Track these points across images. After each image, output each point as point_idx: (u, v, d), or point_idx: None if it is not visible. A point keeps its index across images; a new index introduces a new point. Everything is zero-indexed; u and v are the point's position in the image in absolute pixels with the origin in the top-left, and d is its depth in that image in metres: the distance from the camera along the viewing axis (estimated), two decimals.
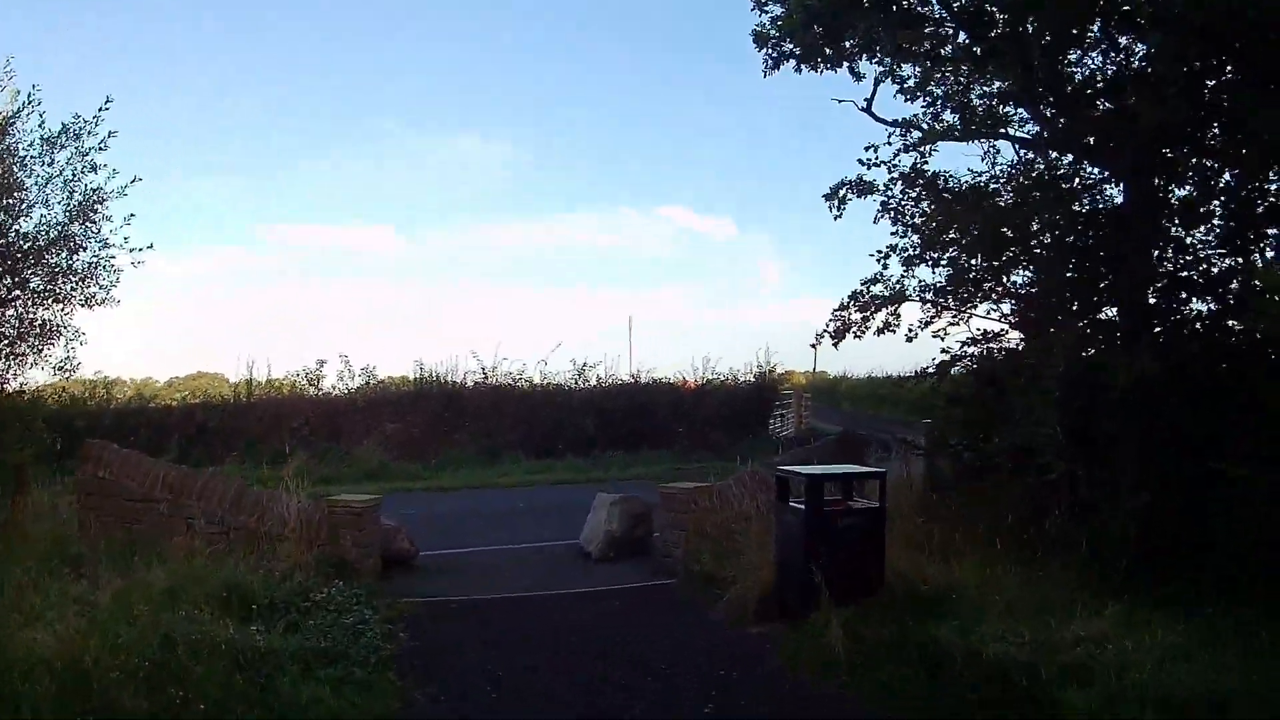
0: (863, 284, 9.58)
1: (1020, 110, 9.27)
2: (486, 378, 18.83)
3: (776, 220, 66.43)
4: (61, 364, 9.87)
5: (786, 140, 65.43)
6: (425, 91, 60.28)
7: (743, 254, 64.77)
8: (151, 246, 9.67)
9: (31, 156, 9.07)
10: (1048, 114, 8.67)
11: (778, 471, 7.38)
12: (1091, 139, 8.14)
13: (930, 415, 10.74)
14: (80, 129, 9.13)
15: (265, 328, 48.46)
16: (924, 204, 9.34)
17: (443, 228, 60.09)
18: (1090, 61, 8.68)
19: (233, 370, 18.84)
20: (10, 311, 9.34)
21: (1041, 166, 8.78)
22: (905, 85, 10.07)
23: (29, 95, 8.93)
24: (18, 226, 9.10)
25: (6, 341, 9.33)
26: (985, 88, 9.68)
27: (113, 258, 9.50)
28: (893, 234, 9.51)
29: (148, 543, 7.76)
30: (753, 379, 22.18)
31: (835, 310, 9.76)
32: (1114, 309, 8.20)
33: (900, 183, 9.45)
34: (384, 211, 63.01)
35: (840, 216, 10.10)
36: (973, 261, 8.94)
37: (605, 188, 66.29)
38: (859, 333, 9.84)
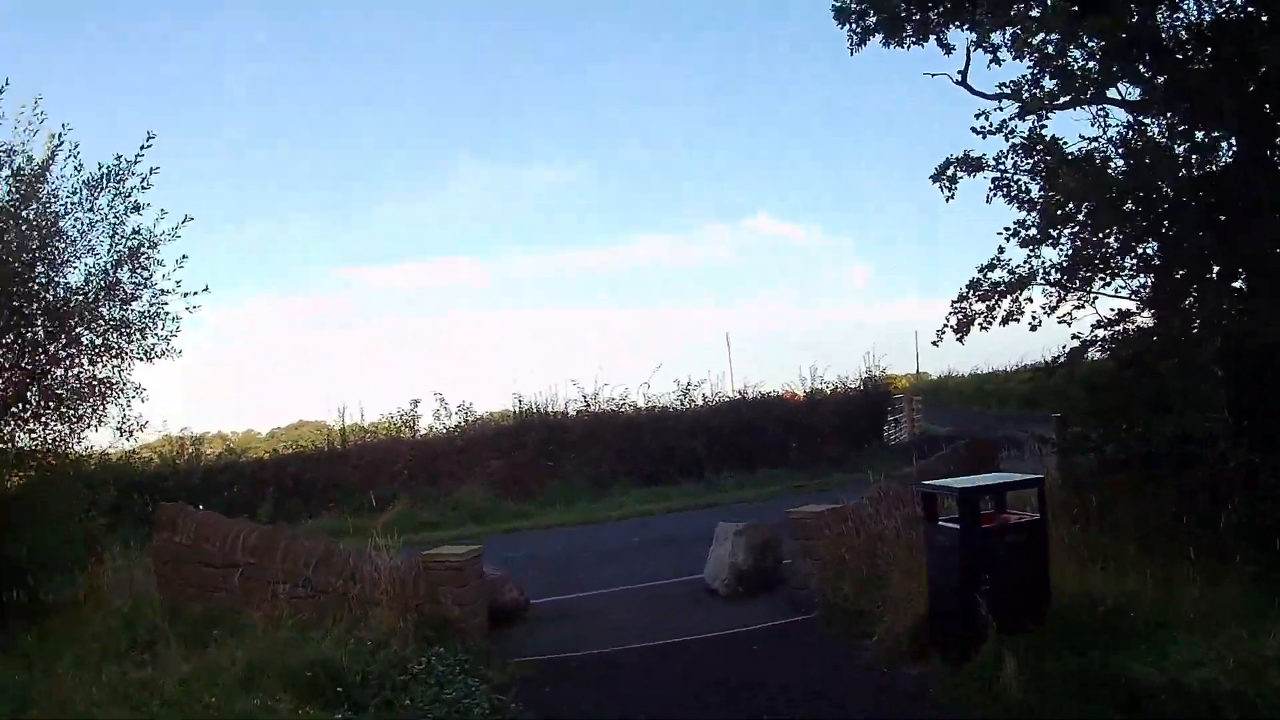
0: (980, 271, 8.96)
1: (1123, 69, 8.38)
2: (589, 406, 17.75)
3: (860, 222, 64.52)
4: (122, 424, 9.21)
5: (868, 141, 63.79)
6: (498, 122, 60.57)
7: (828, 258, 63.28)
8: (207, 289, 9.03)
9: (72, 202, 8.42)
10: (1147, 73, 7.94)
11: (923, 487, 6.31)
12: (1194, 96, 7.34)
13: (1040, 408, 10.46)
14: (122, 170, 8.47)
15: (358, 372, 48.38)
16: (1041, 175, 8.58)
17: (527, 256, 60.32)
18: (1187, 12, 7.88)
19: (331, 417, 18.01)
20: (60, 370, 8.68)
21: (1154, 128, 8.07)
22: (997, 54, 9.34)
23: (60, 135, 8.33)
24: (62, 279, 8.50)
25: (63, 404, 8.65)
26: (1083, 49, 8.72)
27: (166, 305, 8.88)
28: (1016, 224, 8.72)
29: (228, 613, 7.13)
30: (861, 385, 20.62)
31: (954, 303, 9.18)
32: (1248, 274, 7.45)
33: (1014, 154, 8.74)
34: (467, 245, 63.29)
35: (952, 197, 9.43)
36: (1098, 236, 8.20)
37: (687, 204, 65.31)
38: (985, 324, 9.18)
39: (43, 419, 8.55)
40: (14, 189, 8.10)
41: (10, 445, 8.45)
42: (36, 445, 8.55)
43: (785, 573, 8.45)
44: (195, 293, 8.89)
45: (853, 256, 65.78)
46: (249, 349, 51.58)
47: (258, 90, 57.54)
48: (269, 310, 55.73)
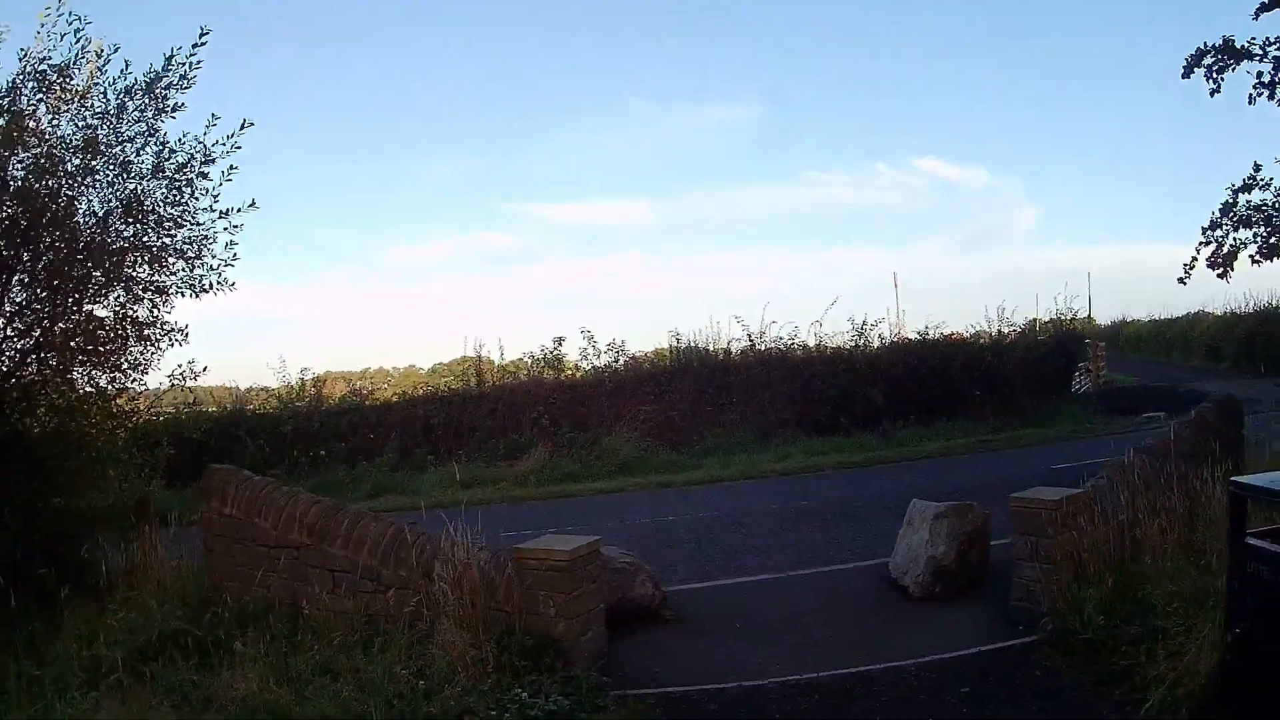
0: (1231, 193, 8.06)
1: None
2: (754, 346, 15.60)
3: (1029, 164, 60.75)
4: (176, 371, 7.64)
5: (1037, 82, 59.87)
6: (667, 63, 59.77)
7: (996, 201, 60.71)
8: (254, 204, 7.16)
9: (109, 110, 6.65)
10: None
11: (1232, 485, 3.88)
12: None
13: (1223, 360, 8.38)
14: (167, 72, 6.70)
15: (517, 311, 48.35)
16: None
17: (694, 196, 60.33)
18: None
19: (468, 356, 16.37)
20: (101, 310, 7.07)
21: None
22: None
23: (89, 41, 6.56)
24: (90, 204, 6.75)
25: (99, 344, 7.04)
26: None
27: (211, 229, 7.13)
28: None
29: (275, 606, 5.72)
30: (1051, 330, 17.89)
31: (1207, 230, 8.16)
32: None
33: None
34: (635, 185, 63.88)
35: (1218, 90, 8.33)
36: None
37: (855, 143, 64.65)
38: (1261, 255, 8.08)
39: (78, 361, 6.97)
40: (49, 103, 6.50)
41: (43, 391, 6.85)
42: (63, 394, 6.95)
43: (993, 568, 6.41)
44: (237, 209, 7.09)
45: (1021, 199, 61.99)
46: (425, 288, 52.39)
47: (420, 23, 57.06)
48: (434, 249, 56.60)
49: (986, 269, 53.85)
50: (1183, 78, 8.61)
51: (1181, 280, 8.90)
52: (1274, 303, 23.49)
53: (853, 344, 15.97)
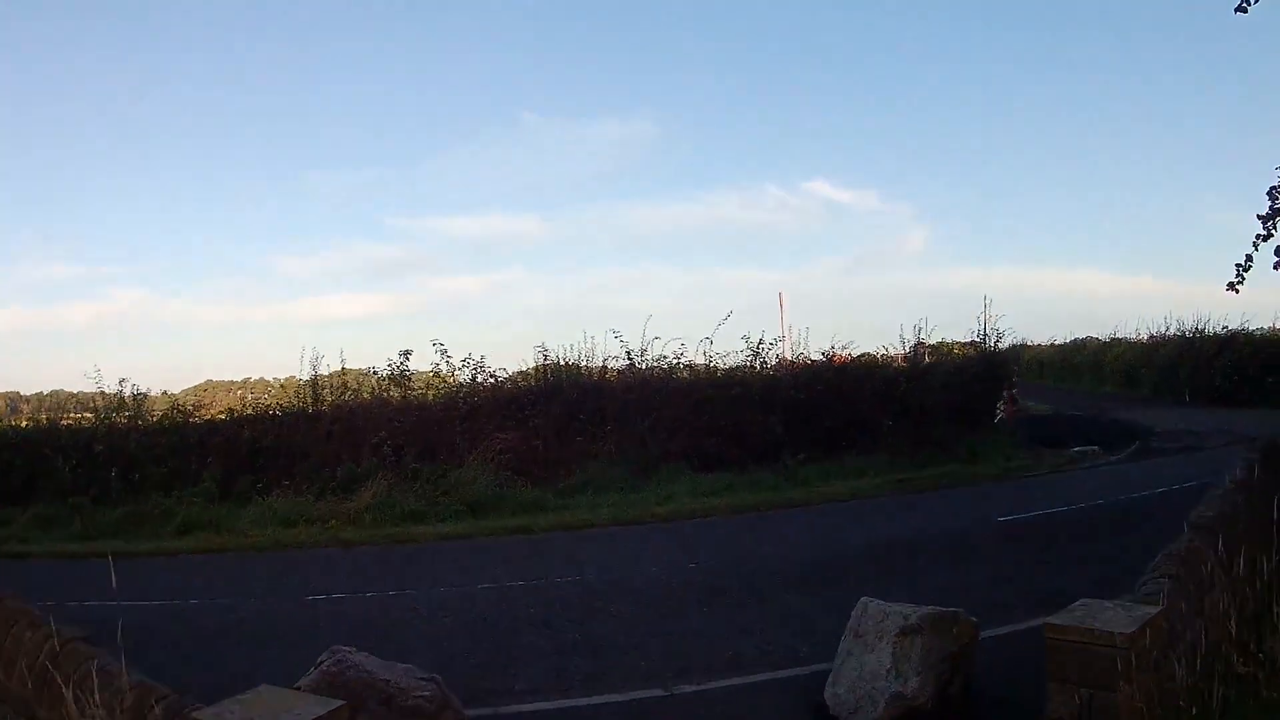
0: None
1: None
2: (634, 366, 13.59)
3: (919, 188, 60.63)
4: None
5: (927, 105, 59.81)
6: (559, 78, 58.52)
7: (885, 224, 60.53)
8: None
9: None
10: None
11: None
12: None
13: (1141, 387, 6.57)
14: None
15: (399, 325, 45.98)
16: None
17: (584, 212, 59.11)
18: None
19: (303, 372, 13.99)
20: None
21: None
22: None
23: None
24: None
25: None
26: None
27: None
28: None
29: None
30: (974, 352, 16.36)
31: (1266, 218, 6.62)
32: None
33: None
34: (526, 200, 62.03)
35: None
36: None
37: (745, 163, 63.61)
38: None
39: None
40: None
41: None
42: None
43: (980, 704, 4.40)
44: None
45: (910, 222, 61.93)
46: (312, 300, 49.89)
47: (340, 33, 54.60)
48: (335, 260, 54.03)
49: (875, 291, 53.83)
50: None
51: (1233, 286, 7.18)
52: (1199, 328, 22.70)
53: (747, 365, 14.11)
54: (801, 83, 61.10)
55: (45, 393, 14.63)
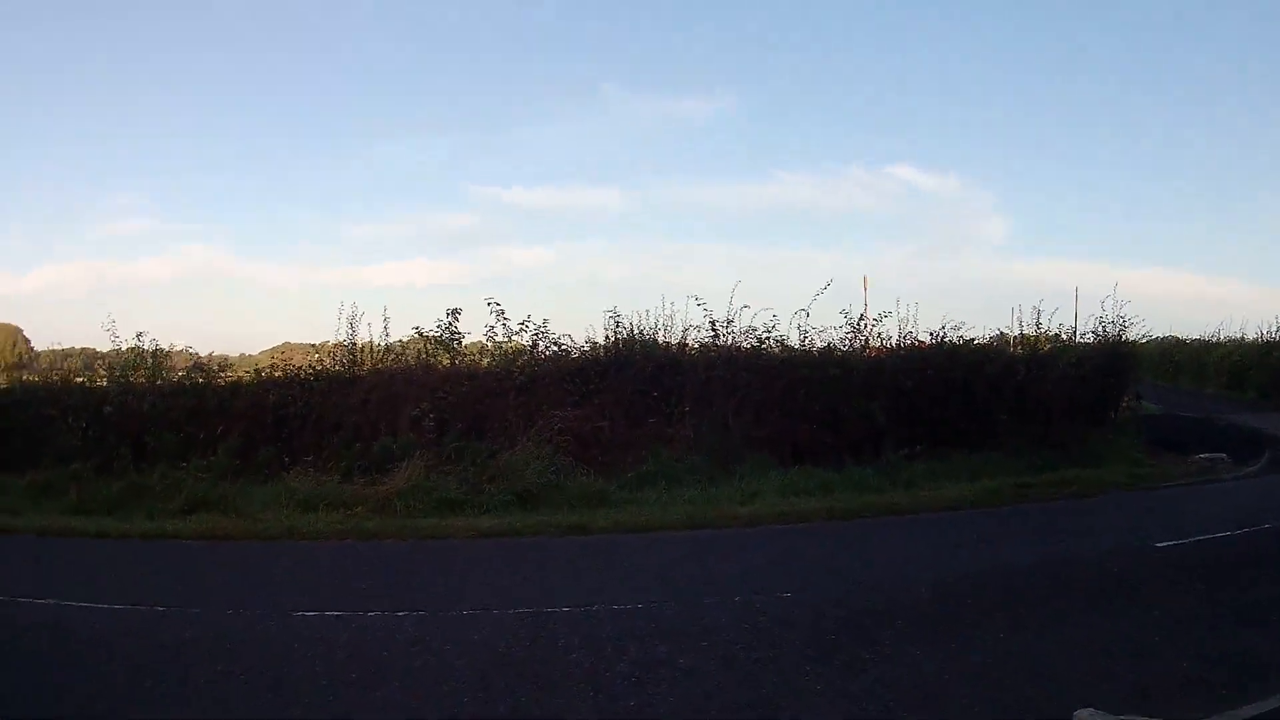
0: None
1: None
2: (718, 338, 11.66)
3: (1002, 176, 57.84)
4: None
5: (1016, 93, 57.01)
6: (643, 52, 56.93)
7: (966, 211, 58.16)
8: None
9: None
10: None
11: None
12: None
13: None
14: None
15: (477, 293, 45.00)
16: None
17: (663, 187, 57.41)
18: None
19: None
20: None
21: None
22: None
23: None
24: None
25: None
26: None
27: None
28: None
29: None
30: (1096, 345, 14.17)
31: None
32: None
33: None
34: (605, 173, 60.51)
35: None
36: None
37: (829, 145, 61.59)
38: None
39: None
40: None
41: None
42: None
43: None
44: None
45: (991, 210, 59.24)
46: (385, 267, 49.41)
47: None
48: (410, 229, 53.37)
49: (954, 279, 51.37)
50: None
51: None
52: None
53: (847, 344, 12.14)
54: (888, 65, 58.47)
55: (123, 349, 13.00)
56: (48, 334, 12.51)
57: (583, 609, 5.68)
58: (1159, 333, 29.45)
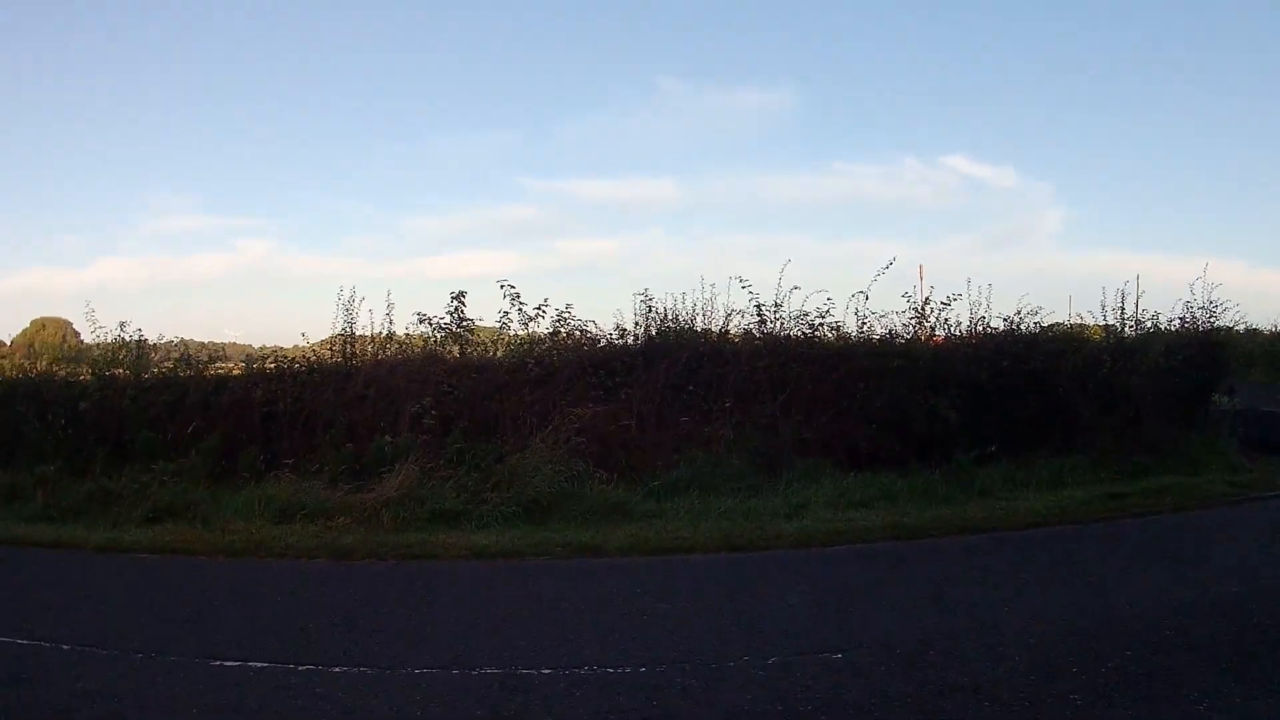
0: None
1: None
2: (764, 324, 10.16)
3: (1059, 167, 55.95)
4: None
5: (1071, 85, 55.11)
6: (699, 43, 56.06)
7: (1023, 202, 57.00)
8: None
9: None
10: None
11: None
12: None
13: None
14: None
15: (535, 283, 44.28)
16: None
17: (721, 178, 56.76)
18: None
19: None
20: None
21: None
22: None
23: None
24: None
25: None
26: None
27: None
28: None
29: None
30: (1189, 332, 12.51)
31: None
32: None
33: None
34: (663, 164, 60.43)
35: None
36: None
37: (886, 136, 59.33)
38: None
39: None
40: None
41: None
42: None
43: None
44: None
45: (1048, 201, 57.53)
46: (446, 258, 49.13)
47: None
48: (469, 221, 53.01)
49: (1012, 270, 49.64)
50: None
51: None
52: None
53: (910, 331, 10.58)
54: (943, 55, 56.81)
55: (175, 341, 12.29)
56: (104, 329, 12.28)
57: (568, 672, 4.30)
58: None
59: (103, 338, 11.72)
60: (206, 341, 13.60)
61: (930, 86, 57.17)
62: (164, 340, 12.02)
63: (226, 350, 12.17)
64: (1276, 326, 25.20)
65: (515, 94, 57.73)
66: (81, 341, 12.05)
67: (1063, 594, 5.85)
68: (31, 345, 16.27)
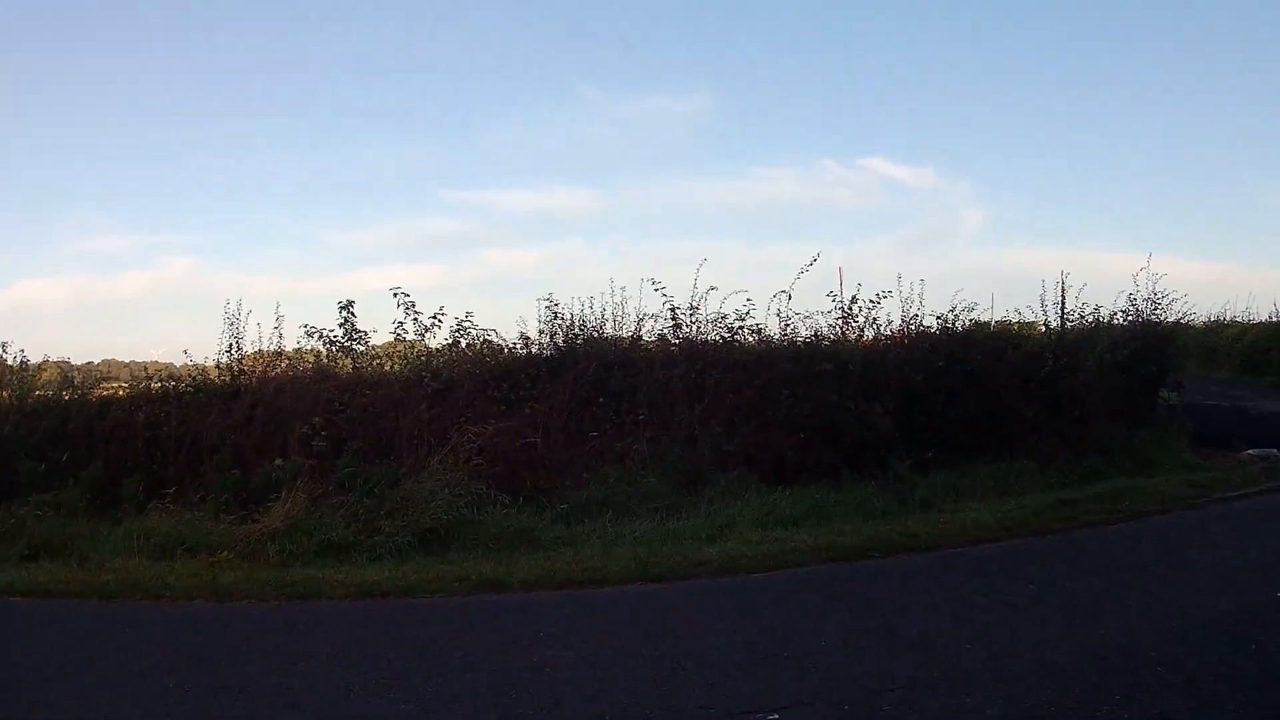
0: None
1: None
2: (679, 328, 9.49)
3: (978, 166, 56.01)
4: None
5: (986, 79, 55.19)
6: (617, 53, 55.32)
7: (943, 202, 56.85)
8: None
9: None
10: None
11: None
12: None
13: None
14: None
15: (452, 296, 43.56)
16: None
17: (640, 186, 56.26)
18: None
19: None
20: None
21: None
22: None
23: None
24: None
25: None
26: None
27: None
28: None
29: None
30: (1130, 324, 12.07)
31: None
32: None
33: None
34: (581, 173, 58.97)
35: None
36: None
37: (804, 140, 58.82)
38: None
39: None
40: None
41: None
42: None
43: None
44: None
45: (968, 200, 57.70)
46: (362, 272, 48.11)
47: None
48: (387, 233, 51.90)
49: (933, 270, 49.83)
50: None
51: None
52: None
53: (837, 332, 9.98)
54: (859, 58, 56.75)
55: (96, 362, 12.44)
56: (28, 351, 11.54)
57: None
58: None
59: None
60: (128, 361, 12.81)
61: (847, 89, 57.34)
62: (47, 360, 11.19)
63: (119, 371, 11.34)
64: (1210, 318, 25.22)
65: (434, 104, 56.92)
66: (6, 363, 11.20)
67: (1029, 623, 5.20)
68: None
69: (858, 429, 9.15)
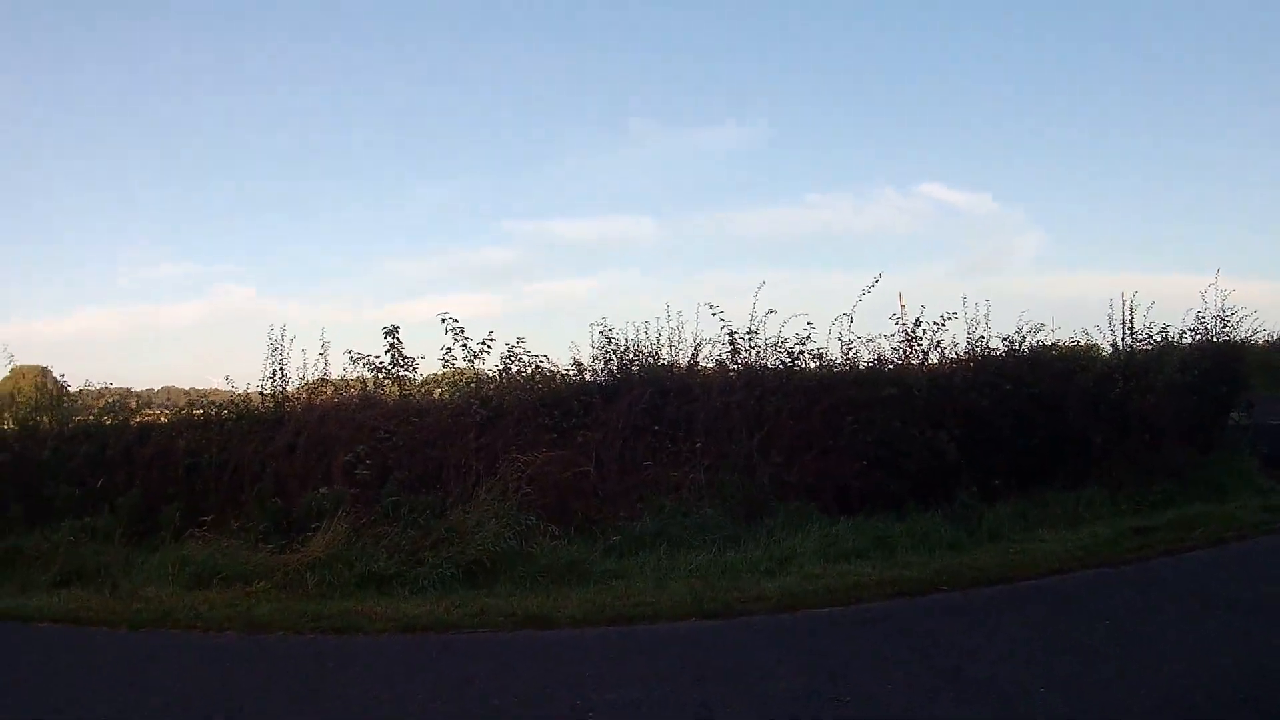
0: None
1: None
2: (737, 353, 9.12)
3: (1035, 191, 55.56)
4: None
5: (1045, 109, 54.76)
6: (669, 85, 56.03)
7: (1000, 227, 56.82)
8: None
9: None
10: None
11: None
12: None
13: None
14: None
15: (512, 326, 44.08)
16: None
17: (696, 217, 56.61)
18: None
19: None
20: None
21: None
22: None
23: None
24: None
25: None
26: None
27: None
28: None
29: None
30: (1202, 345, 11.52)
31: None
32: None
33: None
34: (637, 205, 59.75)
35: None
36: None
37: (859, 168, 59.12)
38: None
39: None
40: None
41: None
42: None
43: None
44: None
45: (1025, 225, 57.27)
46: (420, 303, 48.90)
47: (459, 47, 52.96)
48: (444, 264, 52.79)
49: (990, 295, 48.73)
50: None
51: None
52: None
53: (900, 356, 9.58)
54: (913, 85, 56.50)
55: (155, 389, 12.36)
56: (84, 376, 11.89)
57: None
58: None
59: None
60: (188, 389, 12.81)
61: (902, 115, 56.93)
62: (93, 385, 11.09)
63: (179, 398, 11.19)
64: (1273, 337, 24.37)
65: (492, 140, 57.70)
66: (66, 389, 11.19)
67: (1108, 665, 4.79)
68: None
69: (923, 456, 8.72)
